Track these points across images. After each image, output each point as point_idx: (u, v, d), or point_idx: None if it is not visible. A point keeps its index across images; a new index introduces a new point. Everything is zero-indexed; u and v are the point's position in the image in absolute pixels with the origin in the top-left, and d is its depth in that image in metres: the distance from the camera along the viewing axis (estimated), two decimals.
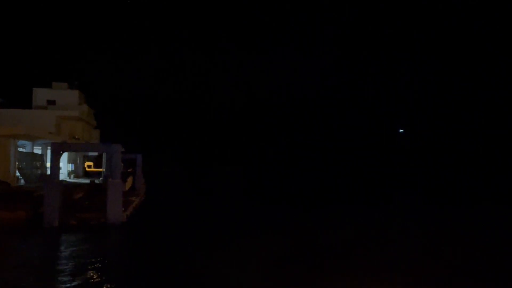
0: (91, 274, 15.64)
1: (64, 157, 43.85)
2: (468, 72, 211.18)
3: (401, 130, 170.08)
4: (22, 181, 35.20)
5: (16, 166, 34.46)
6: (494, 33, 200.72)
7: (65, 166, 44.66)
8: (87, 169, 53.63)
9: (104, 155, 43.19)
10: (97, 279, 15.06)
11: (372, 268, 17.11)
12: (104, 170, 43.68)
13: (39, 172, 36.55)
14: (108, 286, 14.49)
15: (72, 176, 46.60)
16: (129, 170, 49.47)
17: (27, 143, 38.58)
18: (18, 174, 35.08)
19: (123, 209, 27.12)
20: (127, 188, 40.20)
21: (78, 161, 51.21)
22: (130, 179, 45.13)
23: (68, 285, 14.24)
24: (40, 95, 49.21)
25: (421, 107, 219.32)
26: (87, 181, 40.90)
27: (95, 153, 51.83)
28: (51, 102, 48.91)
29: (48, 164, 34.29)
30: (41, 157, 39.71)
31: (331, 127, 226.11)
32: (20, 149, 37.24)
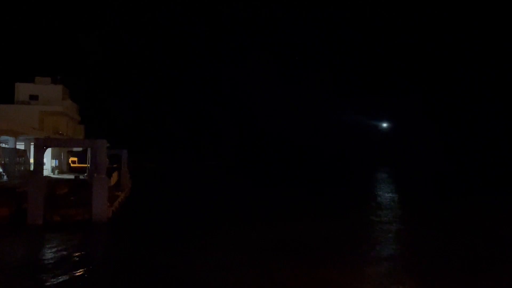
0: (77, 273, 15.53)
1: (48, 152, 43.26)
2: (456, 67, 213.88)
3: (384, 124, 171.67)
4: (5, 177, 34.65)
5: None
6: (487, 32, 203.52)
7: (49, 161, 44.12)
8: (72, 165, 53.09)
9: (89, 151, 42.78)
10: (83, 278, 14.99)
11: (360, 261, 17.33)
12: (88, 165, 43.29)
13: (22, 168, 36.06)
14: (95, 284, 14.46)
15: (56, 171, 46.07)
16: (114, 166, 49.10)
17: (10, 139, 37.97)
18: (0, 170, 34.54)
19: (108, 204, 26.94)
20: (112, 184, 39.92)
21: (62, 157, 50.64)
22: (115, 175, 44.80)
23: (53, 284, 14.13)
24: (23, 90, 48.38)
25: (406, 100, 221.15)
26: (71, 176, 40.46)
27: (80, 149, 51.31)
28: (34, 97, 48.13)
29: (32, 160, 33.84)
30: (24, 153, 39.16)
31: (323, 120, 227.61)
32: (3, 145, 36.66)
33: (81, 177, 39.10)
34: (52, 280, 14.35)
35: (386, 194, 47.28)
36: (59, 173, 46.26)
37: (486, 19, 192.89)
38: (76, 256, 17.70)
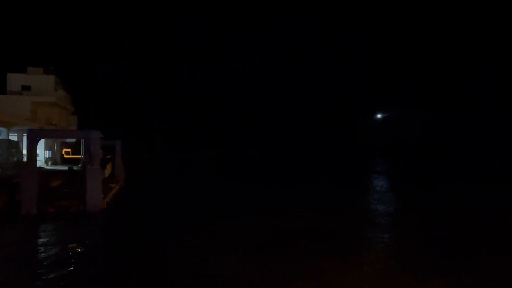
0: (72, 264, 15.54)
1: (41, 143, 43.06)
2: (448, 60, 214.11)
3: (378, 115, 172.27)
4: None
5: None
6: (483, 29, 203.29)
7: (42, 153, 43.92)
8: (65, 156, 52.91)
9: (82, 142, 42.61)
10: (78, 269, 15.00)
11: (345, 250, 17.46)
12: (82, 156, 43.14)
13: (15, 159, 35.86)
14: (89, 274, 14.47)
15: (49, 163, 45.87)
16: (108, 157, 49.01)
17: (2, 130, 37.71)
18: None
19: (102, 196, 26.90)
20: (106, 175, 39.88)
21: (55, 148, 50.41)
22: (109, 166, 44.75)
23: (48, 276, 14.13)
24: (15, 80, 47.96)
25: (398, 92, 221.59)
26: (65, 168, 40.33)
27: (73, 140, 51.10)
28: (26, 88, 47.77)
29: (25, 151, 33.62)
30: (17, 144, 38.91)
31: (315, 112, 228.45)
32: None
33: (74, 168, 38.98)
34: (46, 269, 14.34)
35: (381, 186, 47.56)
36: (52, 164, 46.06)
37: (486, 19, 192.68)
38: (70, 246, 17.66)
